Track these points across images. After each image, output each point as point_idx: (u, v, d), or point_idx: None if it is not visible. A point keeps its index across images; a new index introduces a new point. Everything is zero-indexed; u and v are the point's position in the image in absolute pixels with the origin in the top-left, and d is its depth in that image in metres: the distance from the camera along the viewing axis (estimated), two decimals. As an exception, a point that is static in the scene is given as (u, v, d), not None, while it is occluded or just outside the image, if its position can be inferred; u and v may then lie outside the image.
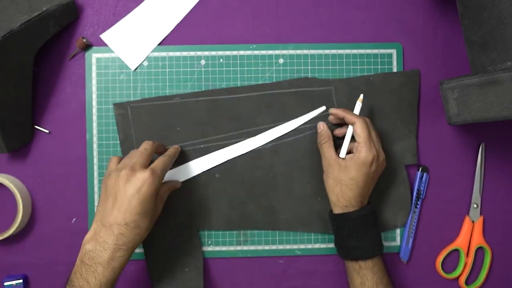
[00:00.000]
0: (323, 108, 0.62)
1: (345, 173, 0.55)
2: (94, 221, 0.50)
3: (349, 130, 0.57)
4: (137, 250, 0.62)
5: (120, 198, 0.49)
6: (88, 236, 0.50)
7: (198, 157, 0.62)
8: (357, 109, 0.58)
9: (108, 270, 0.47)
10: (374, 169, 0.55)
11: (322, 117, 0.63)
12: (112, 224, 0.48)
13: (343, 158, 0.56)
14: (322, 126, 0.59)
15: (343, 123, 0.60)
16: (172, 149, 0.58)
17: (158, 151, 0.57)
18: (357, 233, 0.55)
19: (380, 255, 0.56)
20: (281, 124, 0.63)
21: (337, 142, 0.59)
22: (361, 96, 0.59)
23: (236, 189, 0.63)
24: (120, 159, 0.54)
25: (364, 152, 0.54)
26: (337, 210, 0.57)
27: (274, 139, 0.63)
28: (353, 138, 0.57)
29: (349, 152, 0.57)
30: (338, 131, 0.60)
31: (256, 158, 0.63)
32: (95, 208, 0.62)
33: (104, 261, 0.47)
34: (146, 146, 0.54)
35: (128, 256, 0.49)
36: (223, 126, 0.62)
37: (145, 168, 0.51)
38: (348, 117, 0.57)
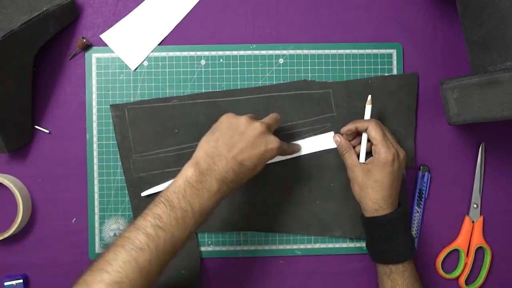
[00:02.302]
0: (331, 133, 0.62)
1: (369, 177, 0.55)
2: (208, 146, 0.49)
3: (364, 137, 0.57)
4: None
5: (247, 141, 0.50)
6: (199, 156, 0.48)
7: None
8: (368, 112, 0.58)
9: (211, 200, 0.47)
10: (397, 167, 0.55)
11: (327, 118, 0.63)
12: (229, 157, 0.48)
13: (364, 163, 0.56)
14: (339, 138, 0.59)
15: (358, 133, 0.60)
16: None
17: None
18: (388, 236, 0.55)
19: (412, 260, 0.56)
20: (279, 126, 0.62)
21: (358, 151, 0.59)
22: (369, 97, 0.58)
23: (234, 192, 0.62)
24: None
25: (383, 152, 0.54)
26: (367, 214, 0.56)
27: None
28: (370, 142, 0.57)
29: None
30: (354, 142, 0.60)
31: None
32: (95, 207, 0.62)
33: (212, 189, 0.47)
34: (278, 117, 0.56)
35: (225, 195, 0.49)
36: None
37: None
38: (359, 125, 0.57)
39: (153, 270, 0.42)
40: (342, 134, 0.60)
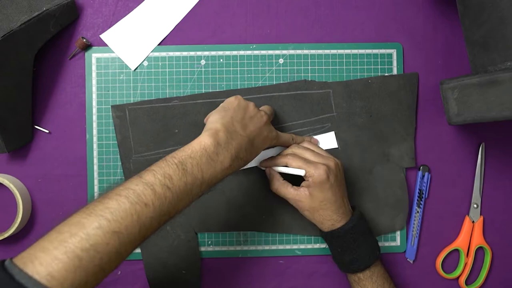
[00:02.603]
0: (332, 133, 0.63)
1: (314, 200, 0.54)
2: (225, 120, 0.50)
3: (279, 169, 0.57)
4: (136, 251, 0.62)
5: (256, 125, 0.52)
6: (218, 128, 0.48)
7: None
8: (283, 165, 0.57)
9: (222, 173, 0.47)
10: (333, 179, 0.54)
11: (327, 118, 0.63)
12: (244, 135, 0.50)
13: (303, 187, 0.55)
14: (267, 171, 0.58)
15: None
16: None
17: None
18: (349, 247, 0.55)
19: (378, 261, 0.56)
20: (279, 126, 0.63)
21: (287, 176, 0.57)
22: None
23: (234, 192, 0.63)
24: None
25: (314, 173, 0.53)
26: (325, 229, 0.56)
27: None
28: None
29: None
30: (282, 169, 0.58)
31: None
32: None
33: (225, 163, 0.47)
34: (272, 110, 0.60)
35: (231, 172, 0.49)
36: None
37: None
38: (278, 162, 0.56)
39: (151, 228, 0.42)
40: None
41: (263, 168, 0.59)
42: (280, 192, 0.57)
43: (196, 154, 0.45)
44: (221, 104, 0.54)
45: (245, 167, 0.58)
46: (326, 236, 0.56)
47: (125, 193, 0.40)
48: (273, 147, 0.59)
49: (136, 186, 0.41)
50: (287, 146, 0.59)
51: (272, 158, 0.58)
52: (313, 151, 0.57)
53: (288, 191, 0.56)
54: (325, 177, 0.53)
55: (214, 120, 0.50)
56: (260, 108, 0.56)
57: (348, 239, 0.55)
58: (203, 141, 0.47)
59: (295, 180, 0.56)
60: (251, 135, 0.51)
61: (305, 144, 0.59)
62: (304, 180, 0.55)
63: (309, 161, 0.55)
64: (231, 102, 0.53)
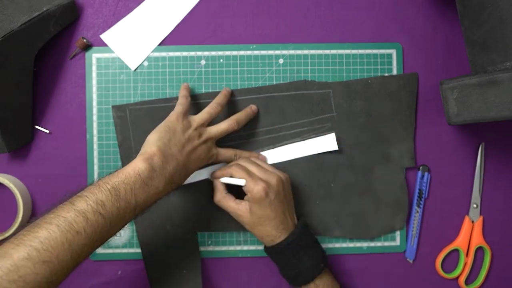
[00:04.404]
0: (333, 135, 0.62)
1: (253, 215, 0.54)
2: (162, 143, 0.50)
3: (223, 180, 0.57)
4: (136, 250, 0.62)
5: (192, 147, 0.53)
6: (153, 152, 0.48)
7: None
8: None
9: (155, 197, 0.47)
10: (273, 197, 0.53)
11: (327, 118, 0.63)
12: (180, 159, 0.50)
13: (244, 201, 0.55)
14: (214, 182, 0.58)
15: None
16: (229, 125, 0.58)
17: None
18: (291, 261, 0.54)
19: (324, 272, 0.54)
20: (279, 126, 0.62)
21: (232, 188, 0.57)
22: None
23: (233, 192, 0.62)
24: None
25: (252, 189, 0.53)
26: (267, 244, 0.55)
27: (273, 143, 0.63)
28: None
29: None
30: (224, 179, 0.57)
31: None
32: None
33: (159, 188, 0.47)
34: (232, 125, 0.57)
35: (165, 195, 0.49)
36: None
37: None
38: (224, 173, 0.57)
39: (84, 254, 0.42)
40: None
41: (211, 180, 0.59)
42: (221, 204, 0.56)
43: (130, 179, 0.45)
44: (163, 122, 0.53)
45: (198, 179, 0.59)
46: (267, 251, 0.56)
47: (55, 221, 0.40)
48: (218, 163, 0.60)
49: (67, 214, 0.41)
50: (234, 159, 0.59)
51: (219, 169, 0.58)
52: (258, 165, 0.56)
53: (229, 204, 0.56)
54: (263, 194, 0.52)
55: (152, 141, 0.50)
56: (233, 118, 0.57)
57: (287, 254, 0.54)
58: (137, 166, 0.47)
59: (243, 194, 0.56)
60: (186, 159, 0.51)
61: (252, 159, 0.59)
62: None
63: (252, 174, 0.54)
64: (172, 121, 0.53)
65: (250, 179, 0.53)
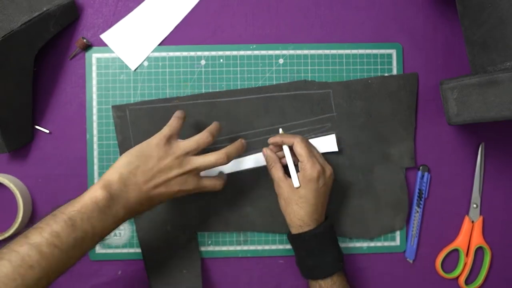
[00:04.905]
0: (333, 136, 0.62)
1: (295, 193, 0.54)
2: (126, 170, 0.47)
3: (286, 151, 0.57)
4: (136, 250, 0.62)
5: (164, 178, 0.49)
6: (113, 179, 0.46)
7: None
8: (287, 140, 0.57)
9: (114, 225, 0.46)
10: (322, 184, 0.54)
11: (327, 118, 0.63)
12: (143, 190, 0.48)
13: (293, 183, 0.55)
14: (266, 151, 0.58)
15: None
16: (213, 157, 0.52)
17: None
18: (314, 252, 0.54)
19: (341, 273, 0.55)
20: (279, 126, 0.62)
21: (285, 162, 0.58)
22: (280, 129, 0.60)
23: (234, 192, 0.63)
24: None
25: (308, 169, 0.53)
26: (293, 230, 0.56)
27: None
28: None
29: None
30: (281, 153, 0.58)
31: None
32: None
33: (118, 216, 0.45)
34: (221, 158, 0.52)
35: (126, 220, 0.48)
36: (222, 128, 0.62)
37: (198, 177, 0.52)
38: (285, 140, 0.56)
39: (41, 287, 0.40)
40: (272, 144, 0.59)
41: (265, 150, 0.58)
42: (271, 169, 0.57)
43: (87, 208, 0.44)
44: (141, 144, 0.50)
45: (242, 168, 0.59)
46: (293, 238, 0.56)
47: (7, 256, 0.39)
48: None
49: (20, 248, 0.39)
50: (217, 189, 0.54)
51: (280, 135, 0.58)
52: (317, 152, 0.57)
53: (278, 172, 0.56)
54: (316, 177, 0.53)
55: (117, 165, 0.48)
56: (223, 151, 0.51)
57: (313, 244, 0.54)
58: (95, 194, 0.45)
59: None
60: (152, 191, 0.48)
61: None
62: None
63: (312, 155, 0.55)
64: (150, 146, 0.50)
65: (310, 159, 0.54)
